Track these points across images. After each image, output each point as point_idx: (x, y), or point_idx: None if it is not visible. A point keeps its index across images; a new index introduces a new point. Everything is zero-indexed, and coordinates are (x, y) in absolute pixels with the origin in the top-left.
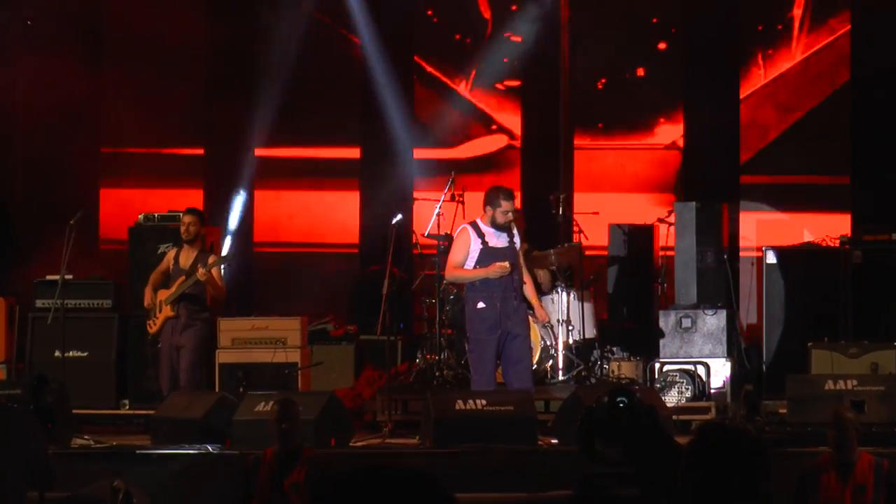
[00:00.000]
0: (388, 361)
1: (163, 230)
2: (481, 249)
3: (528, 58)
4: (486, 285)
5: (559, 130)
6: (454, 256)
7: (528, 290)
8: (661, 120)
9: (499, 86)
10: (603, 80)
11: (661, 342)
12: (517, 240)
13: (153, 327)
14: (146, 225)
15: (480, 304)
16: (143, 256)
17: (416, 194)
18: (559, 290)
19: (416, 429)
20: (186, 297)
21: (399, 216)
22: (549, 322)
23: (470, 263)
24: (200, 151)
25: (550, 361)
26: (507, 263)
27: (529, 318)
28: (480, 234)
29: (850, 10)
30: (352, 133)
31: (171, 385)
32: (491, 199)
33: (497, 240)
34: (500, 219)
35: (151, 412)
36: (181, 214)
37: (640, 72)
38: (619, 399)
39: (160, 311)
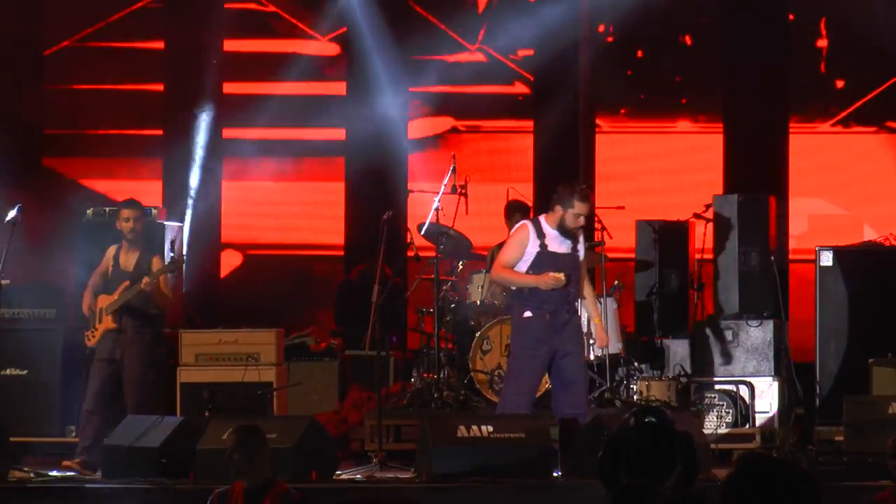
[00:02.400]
0: (378, 380)
1: (114, 228)
2: (538, 253)
3: (544, 23)
4: (537, 294)
5: (578, 111)
6: (507, 254)
7: (590, 304)
8: (699, 101)
9: (510, 55)
10: (640, 52)
11: (698, 358)
12: (581, 248)
13: (91, 340)
14: (95, 222)
15: (527, 314)
16: (92, 258)
17: (411, 185)
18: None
19: (410, 459)
20: (131, 308)
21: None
22: (605, 348)
23: (522, 267)
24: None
25: None
26: (562, 275)
27: None
28: (541, 235)
29: None
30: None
31: (96, 404)
32: (563, 199)
33: (559, 245)
34: (571, 223)
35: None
36: (118, 207)
37: (687, 40)
38: (647, 419)
39: (100, 322)
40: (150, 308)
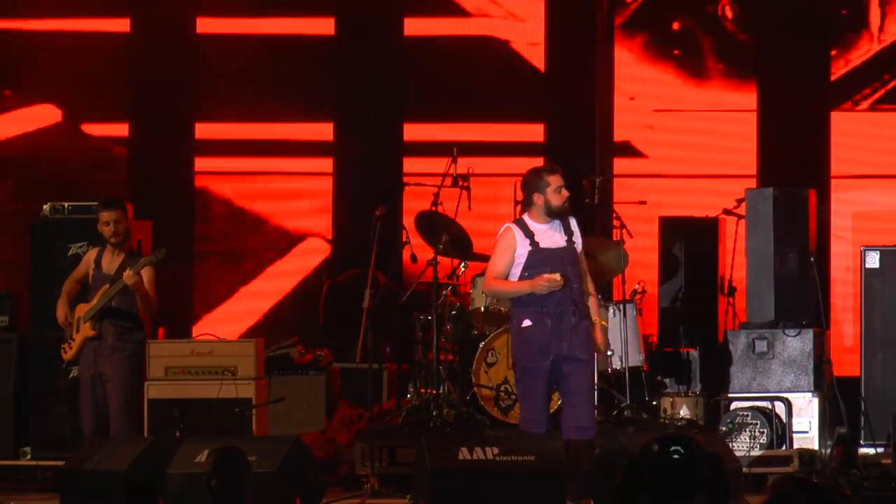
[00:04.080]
0: (370, 396)
1: (75, 225)
2: (530, 252)
3: None
4: (536, 298)
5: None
6: (494, 264)
7: (591, 302)
8: (735, 78)
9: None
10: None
11: (729, 372)
12: (578, 238)
13: (68, 352)
14: (53, 219)
15: (526, 322)
16: (50, 260)
17: (406, 177)
18: None
19: (406, 484)
20: (112, 312)
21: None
22: (606, 351)
23: (516, 271)
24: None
25: None
26: (558, 276)
27: None
28: (529, 234)
29: None
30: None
31: (96, 426)
32: (533, 184)
33: (551, 238)
34: (556, 200)
35: (61, 463)
36: (97, 209)
37: (728, 11)
38: (672, 449)
39: (77, 331)
40: (137, 313)
